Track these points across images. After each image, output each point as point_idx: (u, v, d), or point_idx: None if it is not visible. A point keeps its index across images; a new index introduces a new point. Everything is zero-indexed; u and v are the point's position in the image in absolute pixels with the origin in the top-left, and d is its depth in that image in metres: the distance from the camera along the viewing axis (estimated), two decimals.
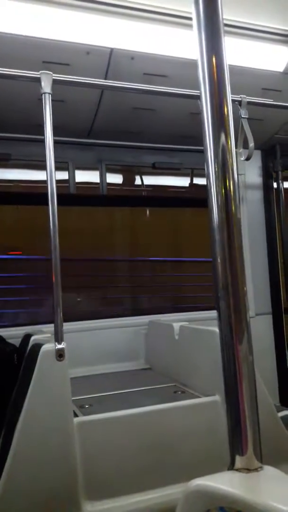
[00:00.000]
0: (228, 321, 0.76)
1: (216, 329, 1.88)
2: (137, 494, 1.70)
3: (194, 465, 1.74)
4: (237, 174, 0.82)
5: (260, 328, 3.07)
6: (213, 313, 2.03)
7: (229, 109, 0.82)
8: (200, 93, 0.84)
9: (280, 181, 3.13)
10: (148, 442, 1.77)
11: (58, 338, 1.70)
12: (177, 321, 2.50)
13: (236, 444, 0.72)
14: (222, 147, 0.80)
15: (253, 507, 0.58)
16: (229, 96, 0.82)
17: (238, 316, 0.76)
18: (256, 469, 0.70)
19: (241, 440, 0.71)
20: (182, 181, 3.53)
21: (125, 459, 1.73)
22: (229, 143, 0.80)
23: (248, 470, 0.70)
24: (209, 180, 0.80)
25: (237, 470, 0.71)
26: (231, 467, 0.71)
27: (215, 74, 0.82)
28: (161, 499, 1.70)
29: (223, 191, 0.78)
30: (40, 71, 1.86)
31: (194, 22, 0.85)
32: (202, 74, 0.83)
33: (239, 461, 0.71)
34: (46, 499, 1.59)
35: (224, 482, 0.66)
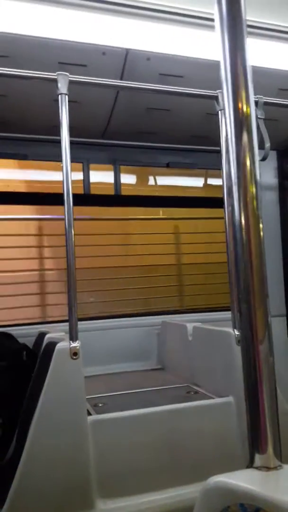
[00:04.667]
0: (249, 322, 0.76)
1: (231, 330, 1.89)
2: (150, 494, 1.70)
3: (206, 466, 1.74)
4: (259, 174, 0.82)
5: (274, 330, 3.03)
6: (227, 314, 2.03)
7: (251, 110, 0.82)
8: (222, 93, 0.84)
9: None
10: (161, 442, 1.77)
11: (73, 336, 1.71)
12: (190, 321, 2.49)
13: (256, 443, 0.72)
14: (243, 148, 0.80)
15: (273, 504, 0.58)
16: (252, 97, 0.83)
17: (259, 317, 0.76)
18: (275, 468, 0.70)
19: (260, 439, 0.71)
20: (196, 182, 3.52)
21: (138, 458, 1.73)
22: (252, 143, 0.81)
23: (267, 468, 0.70)
24: (231, 180, 0.81)
25: (256, 468, 0.71)
26: (250, 465, 0.72)
27: (238, 75, 0.82)
28: (173, 499, 1.70)
29: (246, 191, 0.79)
30: (57, 72, 1.87)
31: (216, 22, 0.85)
32: (225, 75, 0.83)
33: (258, 459, 0.71)
34: (59, 497, 1.61)
35: (243, 480, 0.66)
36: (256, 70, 2.36)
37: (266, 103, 2.20)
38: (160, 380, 2.46)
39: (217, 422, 1.85)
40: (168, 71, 2.29)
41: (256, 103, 2.19)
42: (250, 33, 2.23)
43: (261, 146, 2.24)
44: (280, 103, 2.30)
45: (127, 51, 2.18)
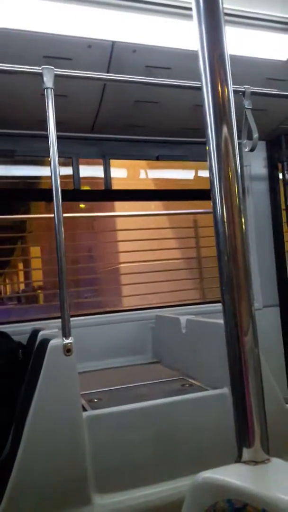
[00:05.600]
0: (233, 314, 0.76)
1: (223, 322, 1.89)
2: (147, 487, 1.71)
3: (203, 458, 1.75)
4: (240, 166, 0.81)
5: (268, 320, 3.06)
6: (220, 306, 2.04)
7: (231, 100, 0.81)
8: (202, 84, 0.82)
9: (285, 172, 3.11)
10: (157, 436, 1.77)
11: (66, 333, 1.71)
12: (184, 314, 2.50)
13: (243, 437, 0.72)
14: (224, 139, 0.79)
15: (260, 499, 0.58)
16: (231, 87, 0.81)
17: (243, 308, 0.75)
18: (263, 461, 0.70)
19: (248, 433, 0.71)
20: (187, 174, 3.52)
21: (134, 452, 1.74)
22: (232, 134, 0.79)
23: (255, 462, 0.70)
24: (211, 172, 0.79)
25: (244, 462, 0.71)
26: (239, 459, 0.71)
27: (216, 65, 0.81)
28: (170, 492, 1.71)
29: (226, 183, 0.77)
30: (42, 66, 1.85)
31: (194, 12, 0.83)
32: (203, 65, 0.82)
33: (246, 453, 0.71)
34: (57, 493, 1.61)
35: (231, 475, 0.66)
36: (243, 60, 2.35)
37: (253, 93, 2.19)
38: (155, 373, 2.46)
39: (212, 414, 1.86)
40: (155, 63, 2.27)
41: (243, 93, 2.18)
42: (236, 23, 2.22)
43: (250, 136, 2.23)
44: (268, 93, 2.29)
45: (113, 44, 2.16)
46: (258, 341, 0.75)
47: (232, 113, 0.80)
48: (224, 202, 0.76)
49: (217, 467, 0.71)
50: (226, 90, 0.80)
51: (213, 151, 0.79)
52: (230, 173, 0.77)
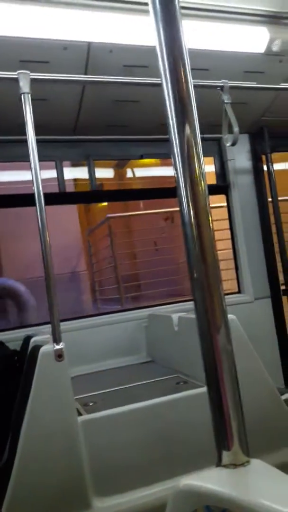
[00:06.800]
0: (204, 312, 0.74)
1: None
2: (146, 488, 1.71)
3: (200, 455, 1.74)
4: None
5: (260, 312, 3.07)
6: None
7: (191, 98, 0.78)
8: (161, 82, 0.79)
9: (270, 164, 3.10)
10: (154, 435, 1.77)
11: (56, 338, 1.70)
12: (176, 312, 2.49)
13: (222, 439, 0.70)
14: (187, 139, 0.77)
15: (239, 504, 0.57)
16: (191, 84, 0.78)
17: (214, 306, 0.74)
18: (242, 464, 0.69)
19: (226, 435, 0.69)
20: (172, 171, 3.51)
21: (131, 453, 1.74)
22: (195, 134, 0.77)
23: (234, 465, 0.69)
24: (176, 174, 0.78)
25: (224, 466, 0.69)
26: (219, 463, 0.70)
27: (175, 61, 0.77)
28: (169, 491, 1.70)
29: (192, 185, 0.76)
30: (18, 71, 1.84)
31: (150, 7, 0.80)
32: (162, 62, 0.79)
33: (225, 456, 0.69)
34: (56, 499, 1.61)
35: (210, 480, 0.65)
36: (220, 54, 2.34)
37: (232, 87, 2.18)
38: (150, 373, 2.46)
39: (208, 411, 1.86)
40: (132, 62, 2.26)
41: (222, 88, 2.17)
42: (211, 17, 2.21)
43: (231, 131, 2.22)
44: (247, 86, 2.29)
45: (89, 44, 2.14)
46: (231, 338, 0.74)
47: (194, 112, 0.77)
48: (190, 204, 0.75)
49: (209, 466, 0.70)
50: (186, 87, 0.77)
51: (177, 152, 0.77)
52: (195, 173, 0.75)
